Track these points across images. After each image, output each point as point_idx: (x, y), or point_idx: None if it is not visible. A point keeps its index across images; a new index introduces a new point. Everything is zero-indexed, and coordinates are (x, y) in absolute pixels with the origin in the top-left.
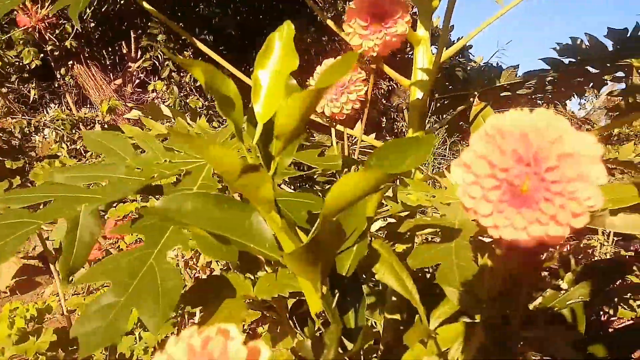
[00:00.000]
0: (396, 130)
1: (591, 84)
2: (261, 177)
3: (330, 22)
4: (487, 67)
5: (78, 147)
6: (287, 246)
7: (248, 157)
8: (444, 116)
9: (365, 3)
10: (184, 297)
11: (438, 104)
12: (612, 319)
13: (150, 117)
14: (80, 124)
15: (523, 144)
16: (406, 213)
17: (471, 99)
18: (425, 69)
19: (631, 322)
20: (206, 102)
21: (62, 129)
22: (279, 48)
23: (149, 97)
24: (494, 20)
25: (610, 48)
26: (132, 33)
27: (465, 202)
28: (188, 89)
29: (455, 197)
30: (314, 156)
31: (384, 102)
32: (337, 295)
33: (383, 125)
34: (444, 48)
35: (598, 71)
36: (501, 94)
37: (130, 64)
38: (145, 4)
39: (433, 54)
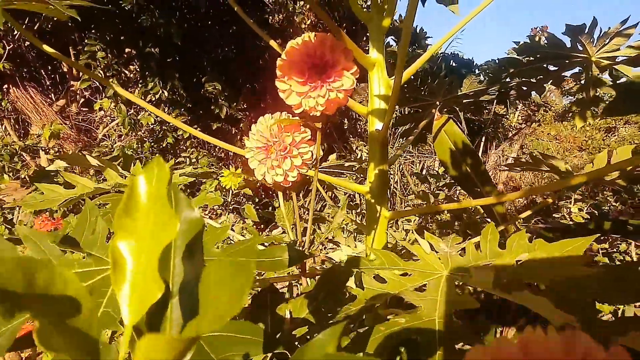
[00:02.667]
0: (359, 130)
1: (550, 82)
2: None
3: (273, 44)
4: (444, 57)
5: (22, 176)
6: None
7: None
8: (405, 128)
9: (299, 53)
10: None
11: (399, 115)
12: None
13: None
14: (23, 152)
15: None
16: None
17: (433, 110)
18: (383, 95)
19: None
20: (159, 118)
21: (1, 160)
22: (148, 203)
23: (96, 116)
24: (457, 31)
25: (569, 44)
26: (70, 50)
27: None
28: (136, 105)
29: (432, 268)
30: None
31: None
32: None
33: (345, 127)
34: (402, 69)
35: (557, 68)
36: (464, 101)
37: (72, 82)
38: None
39: (390, 78)
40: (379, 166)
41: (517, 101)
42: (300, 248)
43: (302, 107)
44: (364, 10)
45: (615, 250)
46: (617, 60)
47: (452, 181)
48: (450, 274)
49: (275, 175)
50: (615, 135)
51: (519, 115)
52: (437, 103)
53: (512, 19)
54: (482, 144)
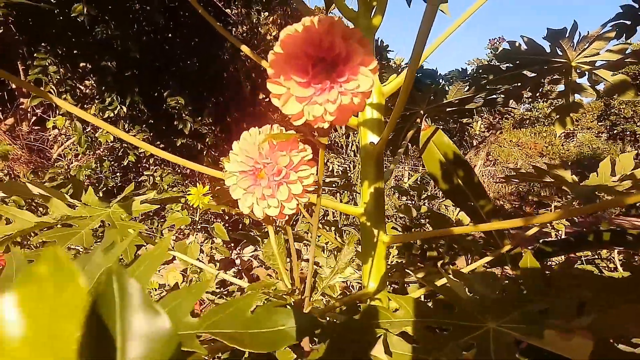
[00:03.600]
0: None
1: (528, 88)
2: None
3: (245, 49)
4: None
5: None
6: None
7: None
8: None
9: (300, 44)
10: None
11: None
12: None
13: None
14: None
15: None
16: None
17: (417, 120)
18: (376, 104)
19: None
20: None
21: None
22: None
23: (49, 134)
24: (448, 36)
25: (548, 50)
26: (19, 65)
27: None
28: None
29: (473, 319)
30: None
31: None
32: None
33: None
34: (412, 80)
35: (535, 74)
36: (447, 110)
37: (22, 99)
38: None
39: (383, 85)
40: (374, 184)
41: (482, 108)
42: (300, 296)
43: (305, 117)
44: (351, 9)
45: (597, 257)
46: (596, 64)
47: (438, 194)
48: (498, 327)
49: (268, 207)
50: (573, 141)
51: (481, 124)
52: (421, 112)
53: (471, 30)
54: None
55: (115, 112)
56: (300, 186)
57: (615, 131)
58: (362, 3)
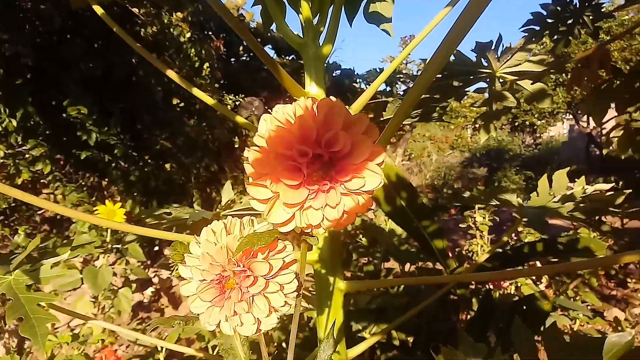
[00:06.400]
0: None
1: (453, 97)
2: None
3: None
4: (326, 67)
5: None
6: None
7: None
8: None
9: (292, 139)
10: None
11: None
12: None
13: None
14: None
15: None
16: None
17: None
18: None
19: None
20: (9, 150)
21: None
22: None
23: None
24: (404, 57)
25: (474, 59)
26: None
27: None
28: None
29: None
30: None
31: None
32: None
33: (236, 146)
34: (404, 116)
35: (461, 84)
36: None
37: None
38: None
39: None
40: None
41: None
42: None
43: (295, 225)
44: (297, 35)
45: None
46: (518, 74)
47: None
48: None
49: (241, 325)
50: (479, 133)
51: None
52: None
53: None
54: None
55: (3, 125)
56: (282, 297)
57: (516, 123)
58: (309, 29)
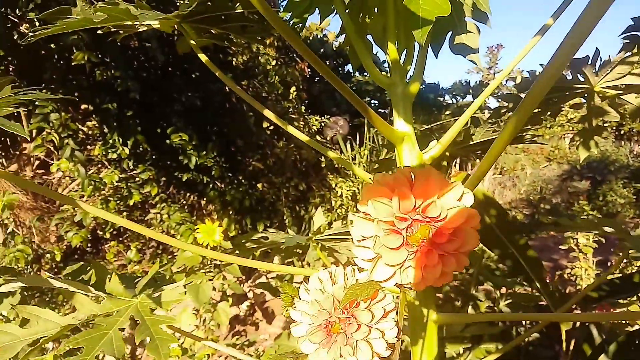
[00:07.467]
0: (337, 166)
1: (548, 113)
2: None
3: (257, 105)
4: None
5: None
6: None
7: None
8: None
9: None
10: None
11: None
12: None
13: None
14: None
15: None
16: None
17: (446, 162)
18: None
19: None
20: (122, 175)
21: None
22: None
23: (53, 178)
24: (499, 83)
25: (569, 77)
26: (22, 112)
27: None
28: (98, 162)
29: None
30: None
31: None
32: None
33: (323, 166)
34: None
35: (554, 101)
36: (475, 148)
37: (24, 144)
38: None
39: (423, 152)
40: None
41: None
42: None
43: (396, 282)
44: (384, 75)
45: None
46: (620, 88)
47: None
48: None
49: None
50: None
51: None
52: (447, 153)
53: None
54: (456, 166)
55: (117, 152)
56: (383, 342)
57: (622, 131)
58: (396, 68)
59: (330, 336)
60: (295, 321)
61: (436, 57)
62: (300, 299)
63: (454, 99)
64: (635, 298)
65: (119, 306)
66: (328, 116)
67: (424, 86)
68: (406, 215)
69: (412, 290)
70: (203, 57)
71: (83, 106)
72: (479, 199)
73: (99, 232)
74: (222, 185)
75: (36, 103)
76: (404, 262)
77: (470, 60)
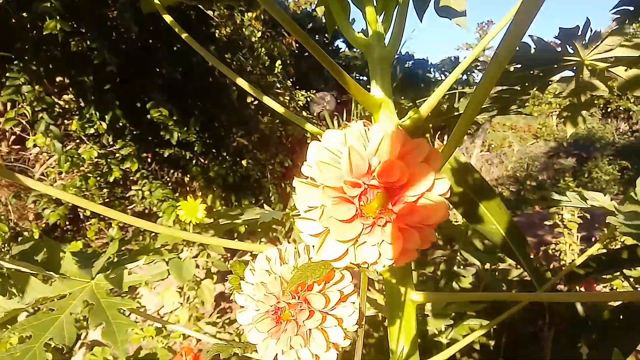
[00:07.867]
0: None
1: (535, 88)
2: None
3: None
4: (399, 59)
5: None
6: None
7: None
8: None
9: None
10: None
11: None
12: None
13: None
14: None
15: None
16: None
17: (428, 135)
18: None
19: None
20: (102, 150)
21: None
22: None
23: (30, 154)
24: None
25: (559, 48)
26: None
27: None
28: (76, 137)
29: None
30: None
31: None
32: None
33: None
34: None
35: (542, 74)
36: (455, 121)
37: None
38: None
39: (401, 120)
40: None
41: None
42: None
43: (349, 261)
44: (360, 36)
45: None
46: (610, 61)
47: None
48: None
49: None
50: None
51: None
52: (430, 125)
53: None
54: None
55: (95, 127)
56: (340, 331)
57: (609, 109)
58: (373, 29)
59: (280, 324)
60: (242, 307)
61: (420, 20)
62: (246, 281)
63: (443, 75)
64: (618, 273)
65: (73, 288)
66: (315, 91)
67: (411, 62)
68: (359, 179)
69: (373, 269)
70: (168, 18)
71: (58, 79)
72: (453, 166)
73: (79, 209)
74: (206, 162)
75: (7, 74)
76: (358, 237)
77: (457, 24)
